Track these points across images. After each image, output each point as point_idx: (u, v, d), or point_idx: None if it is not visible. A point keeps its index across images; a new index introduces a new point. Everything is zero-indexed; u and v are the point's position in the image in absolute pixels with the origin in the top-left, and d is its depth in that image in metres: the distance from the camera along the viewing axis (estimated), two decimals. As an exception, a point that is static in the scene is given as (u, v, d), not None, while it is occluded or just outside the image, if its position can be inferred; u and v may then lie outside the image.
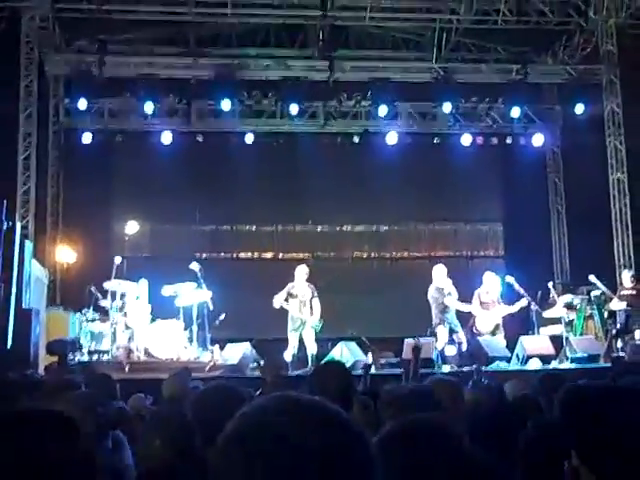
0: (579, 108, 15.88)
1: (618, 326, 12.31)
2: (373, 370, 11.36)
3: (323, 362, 10.15)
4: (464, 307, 12.60)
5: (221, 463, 1.17)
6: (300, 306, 12.25)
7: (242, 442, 1.16)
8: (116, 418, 4.48)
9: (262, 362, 10.05)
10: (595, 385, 3.09)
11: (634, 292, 12.70)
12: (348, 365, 11.22)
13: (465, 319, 12.78)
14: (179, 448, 3.33)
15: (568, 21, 15.65)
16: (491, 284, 12.88)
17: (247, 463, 1.14)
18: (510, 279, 13.00)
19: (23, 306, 10.88)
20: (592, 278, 13.09)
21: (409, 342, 11.61)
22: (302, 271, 12.46)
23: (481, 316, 12.74)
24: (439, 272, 12.64)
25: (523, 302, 12.71)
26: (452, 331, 12.39)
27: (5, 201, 10.89)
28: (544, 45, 16.62)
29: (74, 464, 1.51)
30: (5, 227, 10.68)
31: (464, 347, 12.30)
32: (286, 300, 12.20)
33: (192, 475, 3.09)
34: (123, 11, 14.66)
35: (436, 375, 8.49)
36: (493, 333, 12.68)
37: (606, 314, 13.10)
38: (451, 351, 12.13)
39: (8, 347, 10.19)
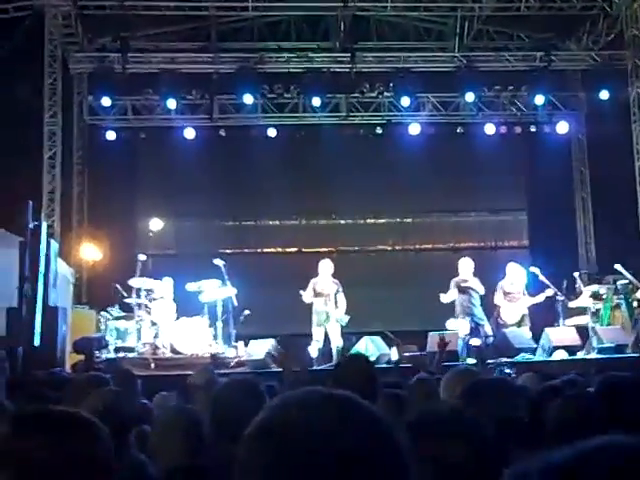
0: (604, 94, 15.67)
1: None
2: (397, 363, 11.41)
3: (346, 356, 10.19)
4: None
5: (247, 456, 1.15)
6: (325, 300, 12.21)
7: (270, 435, 1.15)
8: (140, 415, 4.54)
9: (280, 353, 10.06)
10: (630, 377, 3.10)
11: (661, 281, 12.55)
12: (373, 359, 11.25)
13: (490, 311, 12.71)
14: (189, 443, 3.38)
15: (592, 6, 15.44)
16: (515, 275, 12.78)
17: (275, 457, 1.12)
18: (535, 269, 12.91)
19: (50, 304, 11.01)
20: (618, 267, 12.94)
21: (433, 336, 11.62)
22: (326, 266, 12.37)
23: (506, 307, 12.66)
24: (464, 266, 12.54)
25: (548, 292, 12.62)
26: (478, 325, 12.29)
27: (31, 201, 11.03)
28: (568, 31, 16.40)
29: (87, 468, 1.53)
30: (31, 226, 10.81)
31: (491, 340, 12.23)
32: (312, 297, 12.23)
33: (206, 471, 3.14)
34: (145, 7, 14.74)
35: (460, 365, 8.51)
36: (519, 324, 12.59)
37: (635, 303, 12.95)
38: (476, 343, 12.07)
39: (35, 345, 10.33)
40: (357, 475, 1.11)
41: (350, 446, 1.12)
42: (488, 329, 12.32)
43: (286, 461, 1.11)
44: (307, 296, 12.07)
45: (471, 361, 11.48)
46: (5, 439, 1.52)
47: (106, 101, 15.49)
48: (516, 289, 12.68)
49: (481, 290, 12.36)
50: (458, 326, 12.20)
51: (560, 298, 12.78)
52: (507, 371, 9.63)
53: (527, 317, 12.67)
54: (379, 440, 1.16)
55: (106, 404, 3.68)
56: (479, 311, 12.37)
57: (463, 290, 12.28)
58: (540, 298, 12.68)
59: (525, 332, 12.37)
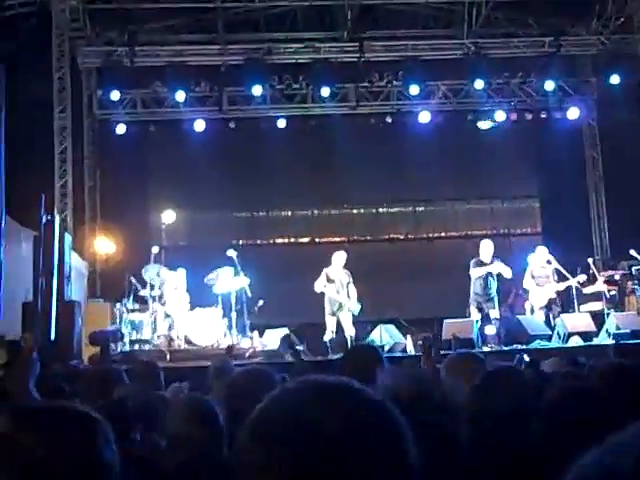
0: (614, 79, 15.58)
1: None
2: (412, 352, 11.40)
3: (354, 346, 10.17)
4: (502, 270, 12.27)
5: (246, 446, 1.18)
6: (338, 289, 12.24)
7: (265, 425, 1.18)
8: (158, 406, 4.54)
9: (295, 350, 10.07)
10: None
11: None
12: (387, 348, 11.26)
13: (504, 296, 12.67)
14: (204, 430, 3.37)
15: (600, -10, 15.36)
16: (544, 259, 12.69)
17: (270, 446, 1.14)
18: (549, 257, 12.85)
19: (65, 298, 11.03)
20: (633, 252, 12.91)
21: (448, 323, 11.62)
22: (340, 257, 12.36)
23: (534, 291, 12.58)
24: (485, 248, 12.43)
25: (572, 281, 12.53)
26: (488, 313, 12.20)
27: (43, 195, 11.04)
28: (576, 16, 16.28)
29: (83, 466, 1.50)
30: (44, 221, 10.82)
31: (497, 324, 12.13)
32: (325, 285, 12.22)
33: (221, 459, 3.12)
34: (152, 0, 14.71)
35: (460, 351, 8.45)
36: (548, 308, 12.51)
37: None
38: (491, 331, 12.02)
39: (52, 339, 10.35)
40: (348, 458, 1.12)
41: (339, 430, 1.13)
42: (494, 313, 12.20)
43: (278, 449, 1.13)
44: (319, 284, 12.06)
45: (486, 349, 11.48)
46: (2, 435, 1.50)
47: (115, 95, 15.48)
48: (545, 273, 12.59)
49: (507, 273, 12.24)
50: (471, 314, 12.19)
51: (574, 284, 12.73)
52: (527, 359, 9.61)
53: (556, 302, 12.56)
54: (370, 422, 1.16)
55: (121, 397, 3.68)
56: (491, 298, 12.27)
57: (480, 276, 12.23)
58: (570, 283, 12.56)
59: (539, 318, 12.34)
